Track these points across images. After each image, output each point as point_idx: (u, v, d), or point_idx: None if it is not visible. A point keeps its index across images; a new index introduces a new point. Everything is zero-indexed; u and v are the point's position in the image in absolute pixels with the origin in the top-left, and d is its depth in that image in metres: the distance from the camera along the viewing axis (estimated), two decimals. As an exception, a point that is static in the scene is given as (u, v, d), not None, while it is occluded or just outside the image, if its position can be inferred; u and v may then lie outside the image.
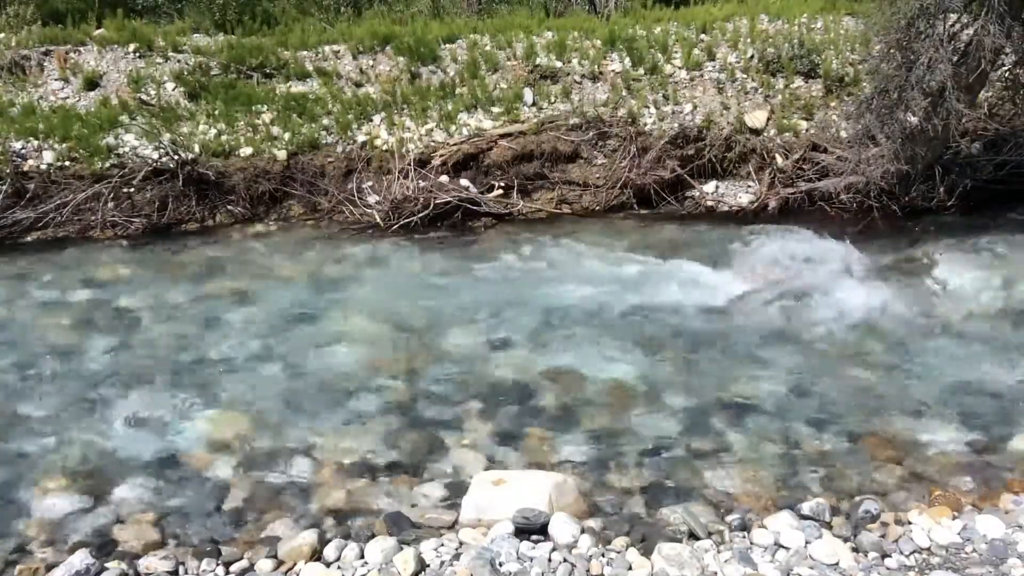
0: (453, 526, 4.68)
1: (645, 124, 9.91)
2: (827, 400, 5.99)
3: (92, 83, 10.47)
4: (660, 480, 5.14)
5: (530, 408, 5.94)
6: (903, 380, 6.23)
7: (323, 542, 4.51)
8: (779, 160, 9.67)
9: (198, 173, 9.31)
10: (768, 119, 9.98)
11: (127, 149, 9.48)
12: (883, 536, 4.49)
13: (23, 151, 9.34)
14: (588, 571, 4.21)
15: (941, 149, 8.87)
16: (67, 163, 9.29)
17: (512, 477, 4.90)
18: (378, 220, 9.11)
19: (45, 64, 10.74)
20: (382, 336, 6.99)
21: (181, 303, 7.59)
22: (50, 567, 4.35)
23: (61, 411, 5.92)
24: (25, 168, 9.18)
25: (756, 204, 9.52)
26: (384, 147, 9.67)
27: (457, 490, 4.98)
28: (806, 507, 4.71)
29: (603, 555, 4.33)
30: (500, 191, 9.55)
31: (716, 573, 4.17)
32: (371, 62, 11.03)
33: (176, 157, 9.21)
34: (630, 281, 7.83)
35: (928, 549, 4.36)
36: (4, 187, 8.88)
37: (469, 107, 10.20)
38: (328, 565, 4.36)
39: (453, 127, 9.90)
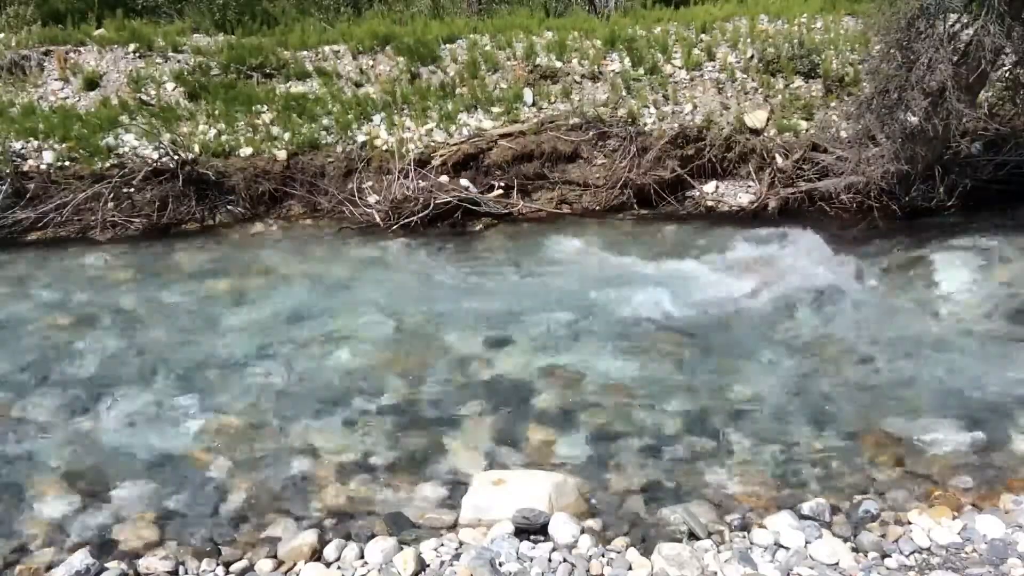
0: (453, 526, 4.69)
1: (645, 124, 9.90)
2: (827, 400, 5.99)
3: (92, 83, 10.47)
4: (660, 480, 5.14)
5: (530, 408, 5.94)
6: (903, 380, 6.23)
7: (323, 542, 4.51)
8: (779, 160, 9.67)
9: (198, 173, 9.31)
10: (768, 119, 9.97)
11: (127, 149, 9.48)
12: (883, 536, 4.49)
13: (23, 151, 9.34)
14: (588, 571, 4.21)
15: (941, 149, 8.87)
16: (67, 163, 9.29)
17: (512, 477, 4.90)
18: (378, 220, 9.11)
19: (45, 64, 10.73)
20: (382, 336, 6.99)
21: (181, 303, 7.59)
22: (50, 567, 4.36)
23: (61, 411, 5.92)
24: (25, 168, 9.18)
25: (756, 204, 9.52)
26: (384, 147, 9.66)
27: (457, 490, 4.98)
28: (806, 507, 4.71)
29: (603, 555, 4.33)
30: (500, 191, 9.54)
31: (716, 573, 4.17)
32: (371, 62, 11.03)
33: (176, 157, 9.21)
34: (630, 281, 7.82)
35: (928, 549, 4.36)
36: (4, 187, 8.88)
37: (469, 107, 10.19)
38: (328, 565, 4.36)
39: (453, 127, 9.90)
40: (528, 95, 10.30)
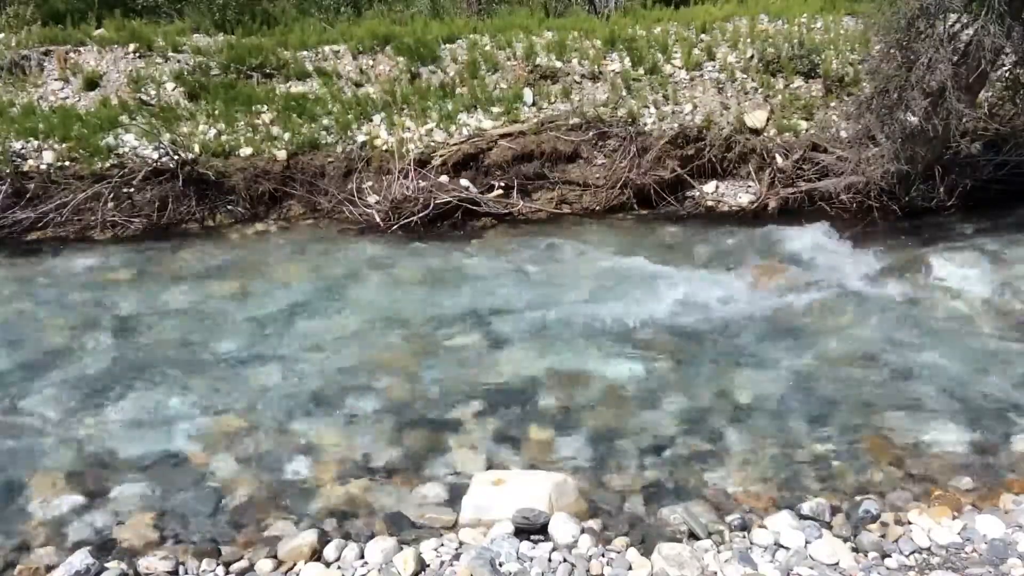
0: (453, 526, 4.69)
1: (645, 124, 9.91)
2: (827, 400, 5.99)
3: (92, 83, 10.47)
4: (660, 480, 5.14)
5: (530, 408, 5.94)
6: (903, 380, 6.23)
7: (323, 542, 4.51)
8: (779, 160, 9.67)
9: (198, 173, 9.31)
10: (768, 119, 9.98)
11: (127, 149, 9.47)
12: (883, 536, 4.49)
13: (23, 151, 9.33)
14: (588, 571, 4.21)
15: (941, 149, 8.87)
16: (67, 163, 9.28)
17: (512, 477, 4.91)
18: (378, 220, 9.11)
19: (45, 64, 10.73)
20: (382, 336, 6.99)
21: (181, 303, 7.59)
22: (50, 567, 4.36)
23: (61, 411, 5.92)
24: (25, 168, 9.18)
25: (756, 204, 9.52)
26: (384, 147, 9.66)
27: (457, 490, 4.98)
28: (806, 507, 4.72)
29: (603, 555, 4.33)
30: (500, 191, 9.54)
31: (716, 573, 4.18)
32: (371, 62, 11.03)
33: (176, 157, 9.21)
34: (630, 281, 7.82)
35: (928, 549, 4.37)
36: (4, 187, 8.88)
37: (469, 107, 10.19)
38: (328, 565, 4.36)
39: (453, 127, 9.89)
40: (528, 95, 10.30)
